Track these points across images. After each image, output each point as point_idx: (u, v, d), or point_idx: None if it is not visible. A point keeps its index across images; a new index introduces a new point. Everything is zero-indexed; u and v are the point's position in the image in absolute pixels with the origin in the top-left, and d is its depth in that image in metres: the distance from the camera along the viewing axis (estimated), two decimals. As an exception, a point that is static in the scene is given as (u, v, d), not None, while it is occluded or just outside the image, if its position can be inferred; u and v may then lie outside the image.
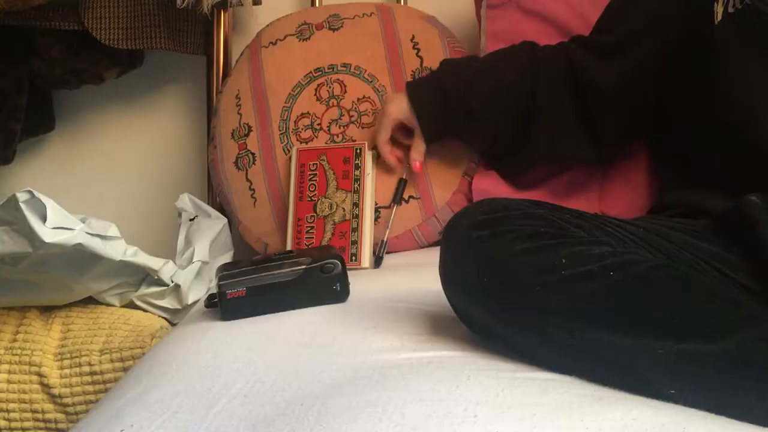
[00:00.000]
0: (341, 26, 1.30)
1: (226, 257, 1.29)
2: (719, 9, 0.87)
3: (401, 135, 1.16)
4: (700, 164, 0.93)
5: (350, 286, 0.89)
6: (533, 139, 1.11)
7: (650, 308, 0.60)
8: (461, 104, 1.09)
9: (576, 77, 1.06)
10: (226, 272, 0.88)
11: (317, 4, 1.48)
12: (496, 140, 1.14)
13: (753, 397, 0.56)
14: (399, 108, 1.12)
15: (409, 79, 1.23)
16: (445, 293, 0.71)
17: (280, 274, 0.86)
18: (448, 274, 0.70)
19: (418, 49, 1.26)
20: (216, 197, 1.36)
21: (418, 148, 1.14)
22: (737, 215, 0.77)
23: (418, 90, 1.13)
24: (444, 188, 1.21)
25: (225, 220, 1.31)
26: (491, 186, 1.19)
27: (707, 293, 0.63)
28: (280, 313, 0.84)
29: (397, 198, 1.17)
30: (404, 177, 1.18)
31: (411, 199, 1.20)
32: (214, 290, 0.88)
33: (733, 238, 0.78)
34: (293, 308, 0.85)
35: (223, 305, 0.85)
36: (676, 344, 0.58)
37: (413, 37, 1.27)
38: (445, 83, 1.11)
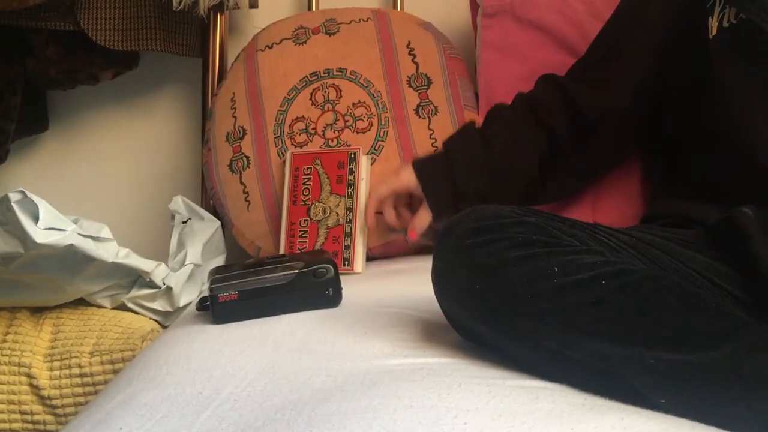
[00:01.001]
0: (337, 31, 1.30)
1: (219, 260, 1.29)
2: (714, 24, 0.87)
3: (399, 202, 1.11)
4: (692, 175, 0.93)
5: (343, 290, 0.89)
6: (540, 198, 1.11)
7: (641, 318, 0.60)
8: (475, 196, 1.04)
9: (576, 121, 1.04)
10: (218, 275, 0.88)
11: (314, 9, 1.48)
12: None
13: (743, 407, 0.56)
14: (411, 182, 1.06)
15: (405, 84, 1.23)
16: (437, 300, 0.71)
17: (272, 278, 0.86)
18: (440, 280, 0.70)
19: (414, 55, 1.26)
20: (209, 200, 1.36)
21: (422, 221, 1.05)
22: (729, 227, 0.77)
23: (431, 179, 1.06)
24: (438, 194, 1.21)
25: (218, 223, 1.31)
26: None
27: (698, 304, 0.63)
28: (272, 317, 0.84)
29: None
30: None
31: (405, 205, 1.20)
32: (206, 293, 0.87)
33: (724, 249, 0.79)
34: (285, 312, 0.85)
35: (215, 308, 0.85)
36: (667, 354, 0.58)
37: (409, 43, 1.27)
38: (457, 183, 1.04)
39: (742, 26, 0.83)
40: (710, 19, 0.88)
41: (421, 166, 1.06)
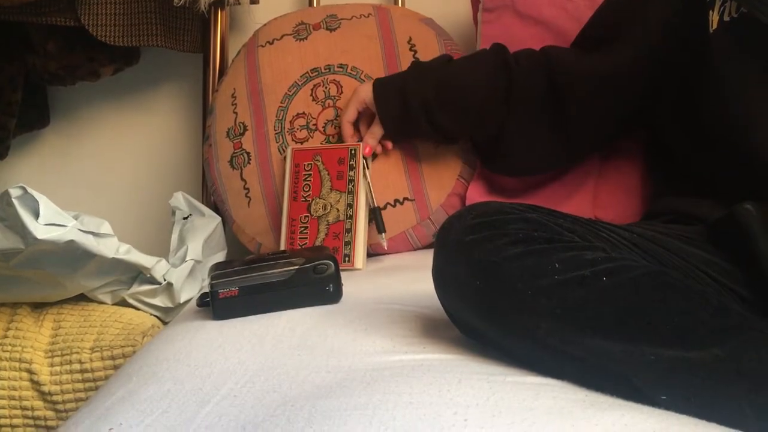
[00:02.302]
0: (338, 27, 1.30)
1: (219, 256, 1.29)
2: (715, 17, 0.87)
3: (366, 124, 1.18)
4: (693, 171, 0.93)
5: (343, 287, 0.89)
6: (504, 152, 1.13)
7: (642, 315, 0.60)
8: (423, 115, 1.11)
9: (552, 77, 1.07)
10: (218, 271, 0.88)
11: (315, 5, 1.48)
12: (466, 142, 1.18)
13: (745, 404, 0.56)
14: (368, 94, 1.14)
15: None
16: (438, 296, 0.71)
17: (272, 274, 0.86)
18: (441, 277, 0.69)
19: (415, 51, 1.25)
20: (210, 196, 1.36)
21: (374, 134, 1.15)
22: (731, 223, 0.77)
23: (384, 88, 1.14)
24: (439, 190, 1.21)
25: (219, 219, 1.30)
26: (484, 197, 1.19)
27: (699, 300, 0.63)
28: (272, 313, 0.84)
29: (381, 226, 1.14)
30: (376, 205, 1.15)
31: (406, 201, 1.20)
32: (207, 289, 0.87)
33: (726, 245, 0.78)
34: (285, 309, 0.85)
35: (215, 305, 0.85)
36: (668, 351, 0.57)
37: (410, 39, 1.27)
38: (406, 90, 1.11)
39: (743, 20, 0.83)
40: (711, 12, 0.88)
41: (379, 81, 1.15)
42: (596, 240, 0.70)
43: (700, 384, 0.57)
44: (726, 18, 0.85)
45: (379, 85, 1.14)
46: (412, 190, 1.20)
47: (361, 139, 1.18)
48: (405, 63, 1.25)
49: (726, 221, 0.78)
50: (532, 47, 1.18)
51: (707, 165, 0.89)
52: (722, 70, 0.85)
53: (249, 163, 1.26)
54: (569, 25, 1.20)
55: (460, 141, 1.20)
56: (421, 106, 1.10)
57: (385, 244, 1.14)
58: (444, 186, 1.21)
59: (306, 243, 1.14)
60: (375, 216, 1.15)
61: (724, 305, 0.63)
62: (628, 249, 0.75)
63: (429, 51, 1.25)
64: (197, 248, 1.22)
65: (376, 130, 1.15)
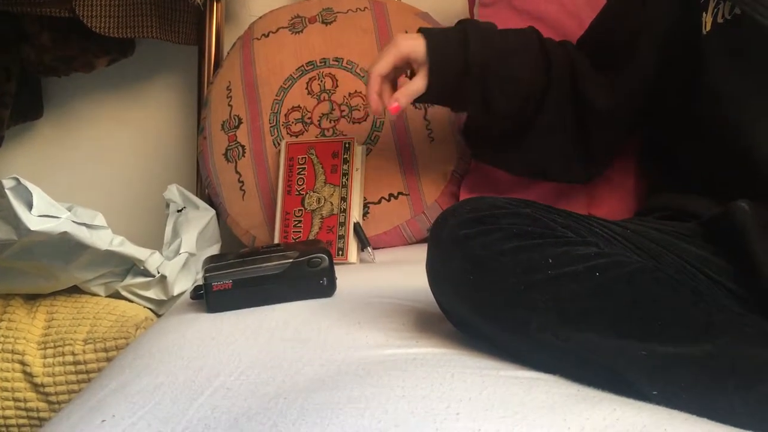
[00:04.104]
0: (334, 20, 1.29)
1: (214, 249, 1.29)
2: (708, 19, 0.87)
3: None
4: (687, 168, 0.93)
5: (337, 280, 0.89)
6: (524, 147, 1.05)
7: (635, 310, 0.60)
8: (481, 82, 0.97)
9: (577, 94, 1.02)
10: (212, 264, 0.88)
11: (310, -2, 1.47)
12: (490, 131, 1.05)
13: (736, 400, 0.56)
14: (414, 47, 0.96)
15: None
16: (432, 290, 0.71)
17: (266, 268, 0.86)
18: (434, 271, 0.70)
19: (411, 45, 1.25)
20: (204, 189, 1.35)
21: (410, 91, 0.96)
22: (725, 221, 0.77)
23: (441, 40, 0.97)
24: (433, 185, 1.21)
25: (213, 212, 1.30)
26: (479, 192, 1.19)
27: (692, 296, 0.63)
28: (266, 306, 0.84)
29: (364, 241, 1.12)
30: (357, 221, 1.13)
31: (400, 196, 1.20)
32: (201, 282, 0.87)
33: (720, 243, 0.79)
34: (279, 302, 0.85)
35: (209, 297, 0.85)
36: (660, 346, 0.58)
37: (406, 32, 1.26)
38: (469, 50, 0.96)
39: (737, 21, 0.83)
40: (704, 14, 0.87)
41: (429, 31, 0.98)
42: (590, 236, 0.70)
43: (691, 379, 0.57)
44: (719, 20, 0.85)
45: (434, 36, 0.97)
46: (407, 185, 1.20)
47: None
48: (401, 57, 1.24)
49: (721, 218, 0.79)
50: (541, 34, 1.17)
51: (703, 163, 0.89)
52: (715, 72, 0.84)
53: (244, 156, 1.25)
54: (565, 19, 1.20)
55: (483, 127, 1.05)
56: (481, 72, 0.96)
57: (370, 258, 1.12)
58: (438, 181, 1.21)
59: (300, 236, 1.14)
60: (357, 232, 1.13)
61: (717, 302, 0.64)
62: (621, 245, 0.75)
63: (425, 45, 1.25)
64: (191, 241, 1.22)
65: (416, 87, 0.96)
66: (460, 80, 0.97)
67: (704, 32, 0.87)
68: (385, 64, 0.96)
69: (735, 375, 0.57)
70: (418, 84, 0.96)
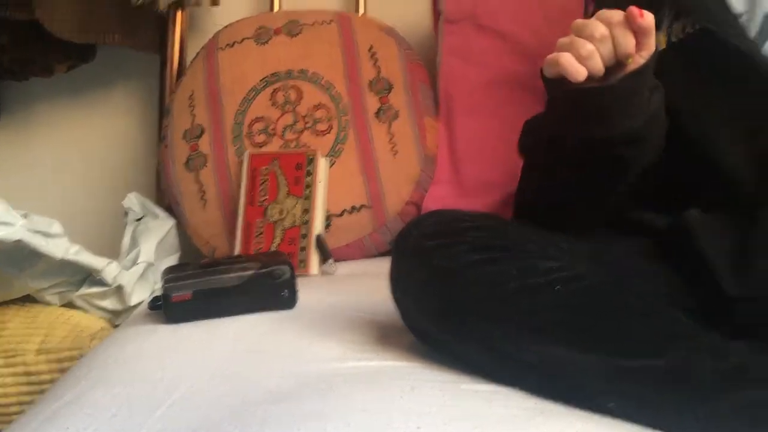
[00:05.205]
0: (300, 32, 1.29)
1: (173, 259, 1.27)
2: (662, 38, 0.89)
3: None
4: (648, 183, 0.95)
5: (298, 293, 0.88)
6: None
7: (595, 324, 0.61)
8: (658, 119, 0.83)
9: None
10: (172, 274, 0.87)
11: (276, 9, 1.47)
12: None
13: (698, 413, 0.57)
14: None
15: (366, 88, 1.24)
16: (395, 303, 0.71)
17: (227, 279, 0.85)
18: (398, 283, 0.70)
19: (376, 59, 1.26)
20: (165, 198, 1.34)
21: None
22: (679, 230, 0.79)
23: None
24: (396, 198, 1.21)
25: (173, 221, 1.29)
26: (442, 205, 1.19)
27: (652, 310, 0.64)
28: (227, 318, 0.83)
29: (326, 253, 1.12)
30: (320, 233, 1.13)
31: (363, 208, 1.20)
32: (159, 292, 0.86)
33: (676, 254, 0.80)
34: (240, 314, 0.84)
35: (168, 308, 0.84)
36: (620, 360, 0.59)
37: (371, 47, 1.27)
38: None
39: (691, 39, 0.85)
40: (658, 32, 0.89)
41: None
42: (552, 250, 0.71)
43: (651, 393, 0.58)
44: (673, 39, 0.86)
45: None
46: (370, 197, 1.21)
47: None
48: (366, 71, 1.25)
49: (675, 228, 0.81)
50: (491, 59, 1.20)
51: (662, 178, 0.91)
52: (674, 88, 0.86)
53: (205, 166, 1.24)
54: (527, 37, 1.22)
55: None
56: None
57: (332, 270, 1.11)
58: (401, 194, 1.22)
59: (261, 248, 1.14)
60: (319, 244, 1.12)
61: (675, 316, 0.65)
62: (582, 259, 0.76)
63: (390, 59, 1.26)
64: (150, 250, 1.20)
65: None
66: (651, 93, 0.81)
67: (659, 50, 0.89)
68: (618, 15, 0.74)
69: (692, 388, 0.58)
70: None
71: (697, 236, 0.76)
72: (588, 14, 1.05)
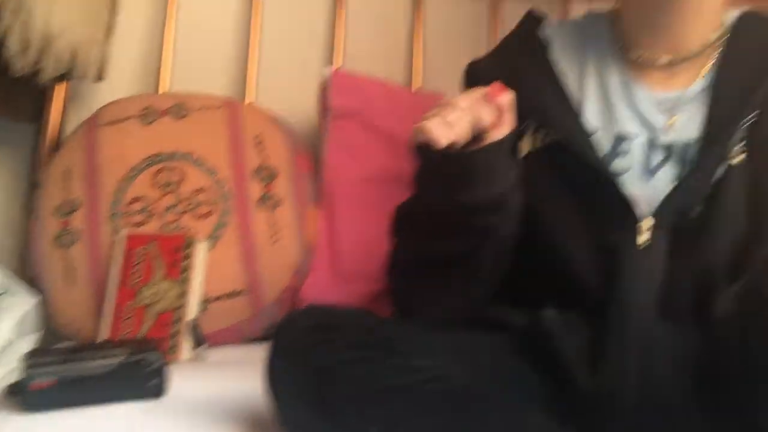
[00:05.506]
0: (186, 115, 1.30)
1: (33, 339, 1.20)
2: (525, 147, 0.96)
3: None
4: (509, 282, 1.00)
5: (168, 381, 0.86)
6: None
7: (460, 425, 0.64)
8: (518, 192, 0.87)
9: None
10: (33, 359, 0.83)
11: (162, 90, 1.47)
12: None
13: None
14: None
15: (250, 174, 1.25)
16: (270, 395, 0.71)
17: (94, 366, 0.82)
18: (273, 376, 0.70)
19: (262, 148, 1.28)
20: (30, 273, 1.27)
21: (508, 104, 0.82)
22: (536, 328, 0.84)
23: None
24: (275, 285, 1.22)
25: (36, 298, 1.22)
26: (319, 297, 1.21)
27: (513, 410, 0.68)
28: (92, 407, 0.80)
29: (200, 339, 1.11)
30: (194, 318, 1.12)
31: (240, 294, 1.20)
32: (19, 377, 0.81)
33: (536, 352, 0.85)
34: (106, 402, 0.81)
35: (28, 396, 0.79)
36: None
37: (258, 136, 1.29)
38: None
39: (551, 147, 0.92)
40: (520, 141, 0.96)
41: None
42: (423, 348, 0.74)
43: None
44: (531, 149, 0.93)
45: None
46: (248, 283, 1.20)
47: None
48: (251, 158, 1.27)
49: (532, 327, 0.86)
50: (375, 154, 1.25)
51: (521, 277, 0.96)
52: (533, 193, 0.92)
53: (77, 243, 1.20)
54: (407, 139, 1.28)
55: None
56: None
57: (204, 357, 1.10)
58: (280, 280, 1.22)
59: (131, 331, 1.10)
60: (193, 329, 1.11)
61: (533, 414, 0.69)
62: (450, 357, 0.79)
63: (275, 149, 1.29)
64: (8, 329, 1.13)
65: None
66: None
67: (520, 157, 0.96)
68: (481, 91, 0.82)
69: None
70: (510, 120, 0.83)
71: (554, 336, 0.82)
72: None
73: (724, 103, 0.88)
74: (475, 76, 1.02)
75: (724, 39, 0.94)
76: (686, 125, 0.89)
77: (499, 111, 0.79)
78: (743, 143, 0.87)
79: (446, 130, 0.76)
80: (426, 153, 0.78)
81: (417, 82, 1.49)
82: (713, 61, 0.93)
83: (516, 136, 0.82)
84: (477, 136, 0.79)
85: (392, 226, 0.94)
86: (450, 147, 0.77)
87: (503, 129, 0.80)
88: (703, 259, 0.84)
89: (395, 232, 0.93)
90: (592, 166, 0.88)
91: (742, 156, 0.86)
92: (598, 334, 0.82)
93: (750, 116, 0.87)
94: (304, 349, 0.67)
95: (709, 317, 0.80)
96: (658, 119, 0.91)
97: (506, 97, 0.79)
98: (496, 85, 0.79)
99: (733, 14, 0.96)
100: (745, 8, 0.98)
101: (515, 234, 0.88)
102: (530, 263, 0.91)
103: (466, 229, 0.83)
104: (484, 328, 0.96)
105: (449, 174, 0.79)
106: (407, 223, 0.90)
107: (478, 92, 0.79)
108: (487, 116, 0.78)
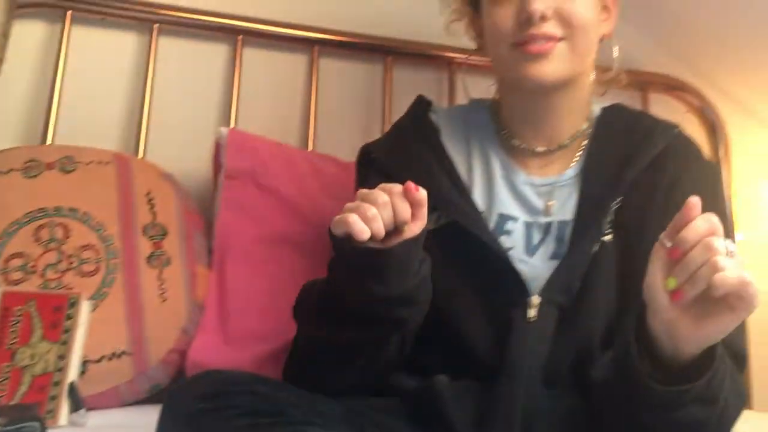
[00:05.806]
0: (74, 169, 1.27)
1: None
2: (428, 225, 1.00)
3: None
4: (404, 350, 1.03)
5: (47, 451, 0.82)
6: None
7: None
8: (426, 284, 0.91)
9: None
10: None
11: (49, 142, 1.42)
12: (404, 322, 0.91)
13: None
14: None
15: (140, 232, 1.23)
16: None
17: (-35, 436, 0.78)
18: (162, 445, 0.69)
19: (153, 204, 1.27)
20: None
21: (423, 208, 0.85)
22: (426, 393, 0.87)
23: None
24: (161, 345, 1.19)
25: None
26: (207, 359, 1.19)
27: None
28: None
29: (78, 402, 1.05)
30: (73, 381, 1.07)
31: (123, 354, 1.16)
32: None
33: (427, 416, 0.88)
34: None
35: None
36: None
37: (149, 192, 1.28)
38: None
39: (446, 228, 0.97)
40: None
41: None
42: (315, 416, 0.75)
43: None
44: (433, 226, 0.97)
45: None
46: (132, 343, 1.17)
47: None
48: (141, 215, 1.25)
49: (425, 392, 0.89)
50: (268, 215, 1.25)
51: (418, 346, 0.98)
52: (434, 273, 0.95)
53: (-53, 301, 1.13)
54: (304, 202, 1.31)
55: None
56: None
57: (82, 421, 1.04)
58: (167, 341, 1.20)
59: (5, 394, 1.04)
60: (71, 392, 1.06)
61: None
62: (339, 423, 0.81)
63: (166, 206, 1.27)
64: None
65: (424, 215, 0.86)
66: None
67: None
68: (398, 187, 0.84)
69: None
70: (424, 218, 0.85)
71: (444, 401, 0.85)
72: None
73: (593, 189, 0.97)
74: (370, 159, 1.06)
75: (591, 129, 1.03)
76: (562, 207, 0.98)
77: (415, 206, 0.82)
78: (610, 225, 0.95)
79: (366, 224, 0.79)
80: (343, 245, 0.81)
81: (312, 144, 1.51)
82: (583, 150, 1.01)
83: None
84: (393, 229, 0.82)
85: (297, 308, 0.96)
86: (367, 241, 0.80)
87: (419, 224, 0.84)
88: (583, 330, 0.90)
89: (300, 314, 0.95)
90: (486, 244, 0.93)
91: (611, 236, 0.94)
92: (487, 400, 0.86)
93: (616, 200, 0.95)
94: (196, 417, 0.66)
95: (586, 382, 0.86)
96: (537, 202, 0.98)
97: (421, 194, 0.83)
98: (410, 183, 0.83)
99: (600, 106, 1.06)
100: (609, 101, 1.09)
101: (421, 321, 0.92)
102: (425, 332, 0.94)
103: (379, 320, 0.86)
104: (376, 393, 0.98)
105: (365, 267, 0.82)
106: (315, 307, 0.92)
107: (396, 187, 0.82)
108: (404, 210, 0.81)
